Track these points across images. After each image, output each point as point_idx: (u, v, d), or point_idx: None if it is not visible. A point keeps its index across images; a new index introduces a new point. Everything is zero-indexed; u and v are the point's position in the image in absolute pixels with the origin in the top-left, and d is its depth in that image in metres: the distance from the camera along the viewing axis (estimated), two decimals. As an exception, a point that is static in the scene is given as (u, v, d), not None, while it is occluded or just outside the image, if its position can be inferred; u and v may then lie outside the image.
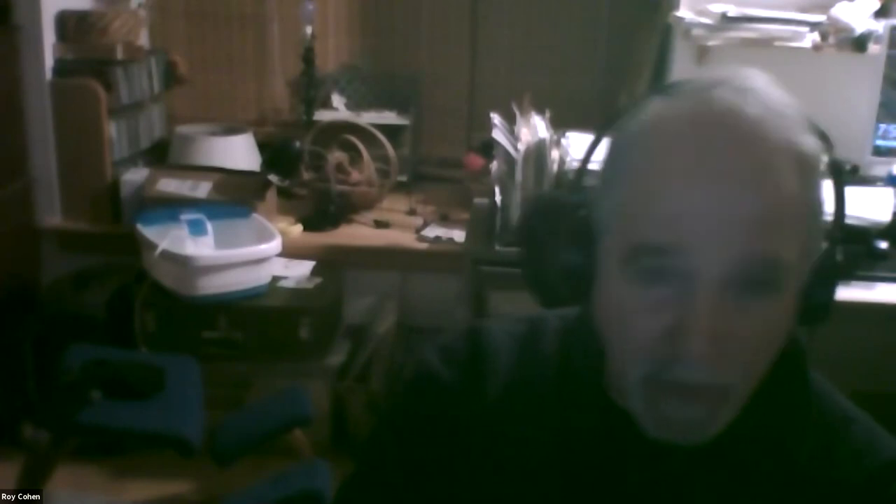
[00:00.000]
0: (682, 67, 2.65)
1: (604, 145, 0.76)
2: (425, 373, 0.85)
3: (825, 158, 0.70)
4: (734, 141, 0.65)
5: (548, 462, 0.78)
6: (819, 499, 0.75)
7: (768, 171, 0.65)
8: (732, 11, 2.47)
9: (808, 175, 0.67)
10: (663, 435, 0.69)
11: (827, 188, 0.71)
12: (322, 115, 3.16)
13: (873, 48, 2.43)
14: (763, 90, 0.68)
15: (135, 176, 2.90)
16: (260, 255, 2.58)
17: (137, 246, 2.64)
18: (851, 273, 0.77)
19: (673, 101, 0.69)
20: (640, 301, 0.67)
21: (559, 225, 0.76)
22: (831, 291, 0.73)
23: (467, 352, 0.85)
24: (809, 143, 0.68)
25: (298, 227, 2.90)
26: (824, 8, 2.51)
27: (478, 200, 2.57)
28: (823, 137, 0.70)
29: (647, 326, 0.67)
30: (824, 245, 0.72)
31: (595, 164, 0.78)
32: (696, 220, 0.64)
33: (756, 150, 0.65)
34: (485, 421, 0.81)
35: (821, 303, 0.73)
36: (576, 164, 2.19)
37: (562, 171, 2.20)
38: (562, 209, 0.77)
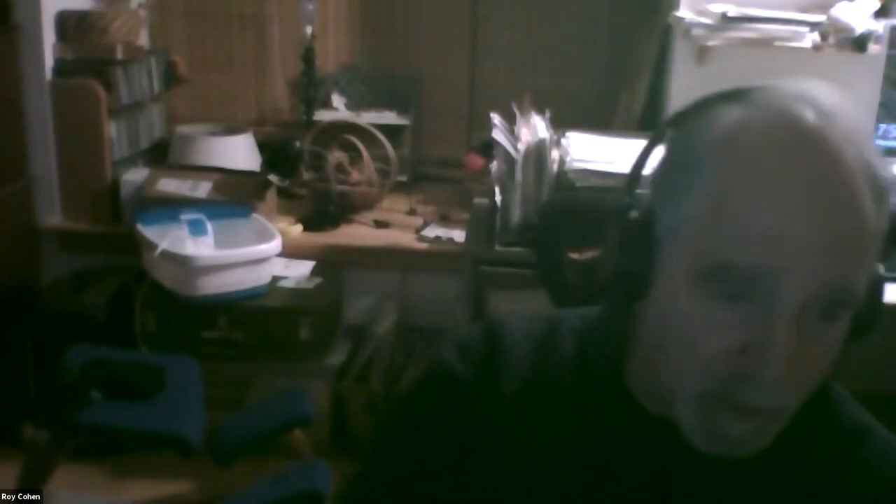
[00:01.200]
0: (682, 67, 2.65)
1: (661, 150, 0.74)
2: (442, 368, 0.84)
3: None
4: (822, 165, 0.64)
5: (563, 462, 0.78)
6: None
7: (853, 197, 0.64)
8: (732, 11, 2.47)
9: (880, 200, 0.66)
10: (714, 449, 0.69)
11: None
12: (322, 115, 3.16)
13: (873, 48, 2.43)
14: (842, 111, 0.67)
15: (135, 176, 2.90)
16: (260, 255, 2.58)
17: (137, 246, 2.64)
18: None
19: (751, 112, 0.67)
20: (712, 319, 0.66)
21: (599, 226, 0.75)
22: (878, 313, 0.72)
23: (484, 348, 0.84)
24: (881, 167, 0.67)
25: (298, 227, 2.90)
26: (824, 8, 2.51)
27: (478, 200, 2.57)
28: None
29: (716, 345, 0.65)
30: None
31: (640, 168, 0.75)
32: (793, 245, 0.63)
33: (842, 175, 0.64)
34: (500, 419, 0.81)
35: (871, 319, 0.71)
36: (576, 164, 2.19)
37: (562, 171, 2.20)
38: (600, 210, 0.75)
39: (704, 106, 0.70)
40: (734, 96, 0.69)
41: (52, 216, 2.93)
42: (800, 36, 2.47)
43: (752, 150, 0.65)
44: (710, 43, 2.51)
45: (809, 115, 0.65)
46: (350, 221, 2.99)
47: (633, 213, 0.72)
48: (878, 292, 0.71)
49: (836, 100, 0.67)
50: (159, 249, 2.49)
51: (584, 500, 0.77)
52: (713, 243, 0.65)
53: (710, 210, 0.66)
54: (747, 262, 0.63)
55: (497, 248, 2.20)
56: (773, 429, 0.68)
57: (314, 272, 2.76)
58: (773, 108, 0.66)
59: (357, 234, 2.93)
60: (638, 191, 0.75)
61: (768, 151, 0.65)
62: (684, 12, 2.58)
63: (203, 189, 2.81)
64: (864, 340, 0.73)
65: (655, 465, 0.75)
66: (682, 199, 0.68)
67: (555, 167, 2.20)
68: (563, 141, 2.30)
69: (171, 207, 2.68)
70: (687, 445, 0.71)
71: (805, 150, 0.64)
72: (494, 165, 2.25)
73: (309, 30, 3.05)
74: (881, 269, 0.71)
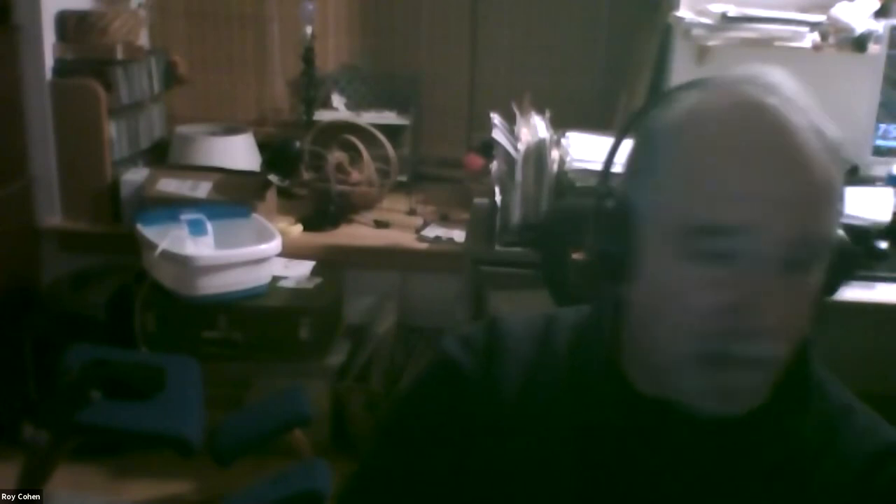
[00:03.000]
0: (682, 67, 2.65)
1: (629, 142, 0.79)
2: (445, 359, 0.86)
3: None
4: (776, 130, 0.70)
5: (563, 450, 0.80)
6: (821, 480, 0.77)
7: (808, 155, 0.70)
8: (732, 11, 2.47)
9: (835, 158, 0.72)
10: (713, 409, 0.72)
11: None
12: (322, 115, 3.16)
13: (873, 48, 2.43)
14: (785, 84, 0.74)
15: (135, 176, 2.90)
16: (260, 255, 2.58)
17: (137, 246, 2.64)
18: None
19: (707, 94, 0.74)
20: (698, 280, 0.70)
21: (586, 220, 0.79)
22: (843, 278, 0.77)
23: (486, 341, 0.86)
24: (831, 130, 0.73)
25: (298, 227, 2.90)
26: (824, 8, 2.51)
27: (478, 200, 2.57)
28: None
29: (706, 304, 0.70)
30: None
31: (615, 162, 0.81)
32: (753, 202, 0.68)
33: (795, 137, 0.70)
34: (501, 409, 0.83)
35: (834, 281, 0.76)
36: (576, 164, 2.19)
37: (562, 171, 2.20)
38: (583, 206, 0.80)
39: (664, 96, 0.77)
40: (690, 84, 0.76)
41: (52, 216, 2.93)
42: (800, 36, 2.47)
43: (712, 122, 0.72)
44: (710, 43, 2.51)
45: (758, 90, 0.72)
46: (350, 221, 2.99)
47: (609, 201, 0.77)
48: (846, 257, 0.76)
49: (781, 78, 0.75)
50: (159, 249, 2.49)
51: (585, 488, 0.79)
52: (692, 209, 0.70)
53: (682, 181, 0.71)
54: (722, 220, 0.69)
55: (497, 248, 2.20)
56: (768, 379, 0.72)
57: (314, 272, 2.76)
58: (725, 87, 0.74)
59: (357, 234, 2.93)
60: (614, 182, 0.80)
61: (727, 122, 0.71)
62: (684, 12, 2.58)
63: (203, 189, 2.82)
64: (832, 294, 0.78)
65: (653, 446, 0.77)
66: (650, 178, 0.74)
67: (555, 167, 2.20)
68: (563, 141, 2.30)
69: (171, 207, 2.68)
70: (683, 426, 0.75)
71: (759, 118, 0.71)
72: (494, 165, 2.25)
73: (309, 30, 3.05)
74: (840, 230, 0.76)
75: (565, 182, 2.18)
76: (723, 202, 0.69)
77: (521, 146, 2.17)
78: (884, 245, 2.11)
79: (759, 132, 0.70)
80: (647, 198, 0.74)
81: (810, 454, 0.78)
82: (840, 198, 0.73)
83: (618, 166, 0.80)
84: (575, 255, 1.48)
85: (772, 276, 0.68)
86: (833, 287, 0.76)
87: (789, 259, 0.69)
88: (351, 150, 3.02)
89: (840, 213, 0.73)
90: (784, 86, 0.74)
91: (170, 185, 2.82)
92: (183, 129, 3.17)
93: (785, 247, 0.68)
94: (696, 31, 2.52)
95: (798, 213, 0.69)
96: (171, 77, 3.24)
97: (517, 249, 2.18)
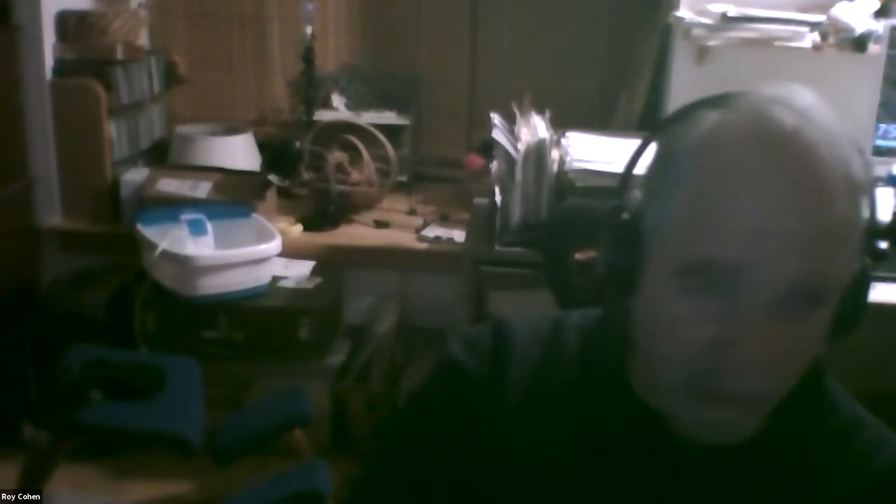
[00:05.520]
0: (682, 67, 2.65)
1: (650, 153, 0.77)
2: (450, 362, 0.86)
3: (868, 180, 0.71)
4: (798, 163, 0.66)
5: (566, 456, 0.79)
6: (830, 496, 0.76)
7: (828, 193, 0.66)
8: (732, 11, 2.47)
9: (856, 197, 0.68)
10: (703, 437, 0.72)
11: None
12: (322, 115, 3.16)
13: (873, 48, 2.43)
14: (818, 112, 0.69)
15: (135, 176, 2.90)
16: (260, 255, 2.58)
17: (137, 246, 2.64)
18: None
19: (730, 114, 0.70)
20: (691, 312, 0.68)
21: (589, 221, 0.78)
22: (858, 311, 0.75)
23: (492, 343, 0.86)
24: (858, 165, 0.69)
25: (298, 227, 2.90)
26: (824, 8, 2.51)
27: (478, 200, 2.57)
28: (861, 149, 0.72)
29: (696, 336, 0.68)
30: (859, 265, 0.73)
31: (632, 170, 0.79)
32: (768, 239, 0.65)
33: (817, 173, 0.66)
34: (506, 413, 0.82)
35: (853, 314, 0.74)
36: (576, 164, 2.18)
37: (562, 171, 2.20)
38: (587, 207, 0.79)
39: (689, 110, 0.73)
40: (716, 101, 0.72)
41: (52, 216, 2.93)
42: (800, 36, 2.47)
43: (728, 149, 0.68)
44: (710, 43, 2.51)
45: (785, 116, 0.68)
46: (350, 221, 2.99)
47: (624, 214, 0.75)
48: (862, 289, 0.74)
49: (813, 102, 0.70)
50: (159, 249, 2.49)
51: (587, 493, 0.78)
52: (692, 240, 0.68)
53: (688, 208, 0.69)
54: (725, 257, 0.66)
55: (497, 248, 2.20)
56: (757, 414, 0.72)
57: (314, 272, 2.76)
58: (751, 110, 0.69)
59: (357, 234, 2.93)
60: (632, 192, 0.78)
61: (744, 150, 0.67)
62: (684, 12, 2.58)
63: (203, 189, 2.81)
64: (849, 337, 0.75)
65: (656, 458, 0.77)
66: (664, 198, 0.71)
67: (555, 167, 2.20)
68: (563, 141, 2.29)
69: (171, 207, 2.68)
70: (685, 439, 0.74)
71: (780, 149, 0.67)
72: (494, 165, 2.25)
73: (309, 30, 3.05)
74: (866, 264, 0.73)
75: (565, 182, 2.18)
76: (725, 236, 0.66)
77: (521, 146, 2.17)
78: (884, 245, 2.11)
79: (778, 164, 0.66)
80: (655, 216, 0.72)
81: (820, 473, 0.77)
82: (859, 237, 0.69)
83: (637, 175, 0.79)
84: (577, 256, 1.47)
85: (769, 315, 0.66)
86: (849, 321, 0.74)
87: (790, 299, 0.66)
88: (351, 150, 3.02)
89: (857, 251, 0.70)
90: (814, 112, 0.69)
91: (170, 185, 2.82)
92: (183, 129, 3.17)
93: (785, 287, 0.66)
94: (696, 31, 2.52)
95: (804, 254, 0.65)
96: (171, 77, 3.24)
97: (517, 249, 2.18)
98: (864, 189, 0.69)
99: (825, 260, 0.66)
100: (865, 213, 0.70)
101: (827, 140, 0.67)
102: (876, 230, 2.08)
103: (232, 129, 3.21)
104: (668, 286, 0.70)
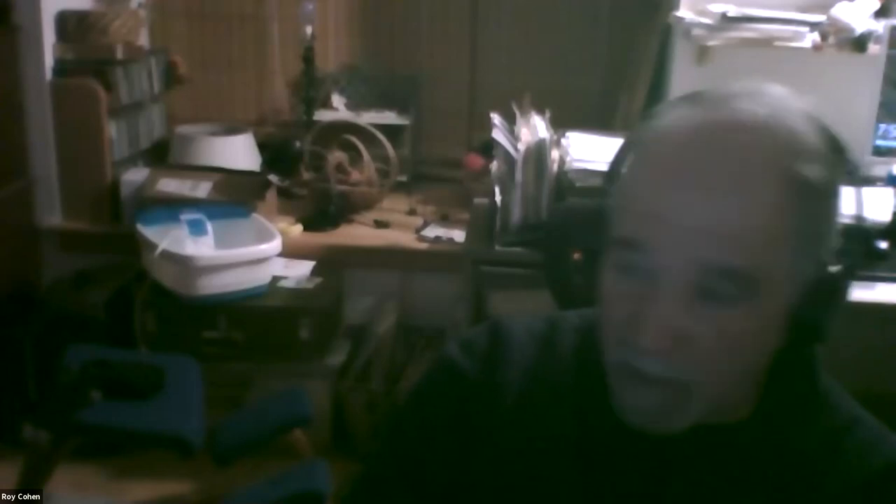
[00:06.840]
0: (682, 67, 2.65)
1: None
2: (446, 363, 0.86)
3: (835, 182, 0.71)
4: (724, 153, 0.68)
5: (563, 455, 0.79)
6: (823, 495, 0.76)
7: (748, 188, 0.67)
8: (732, 11, 2.47)
9: (803, 199, 0.68)
10: (634, 422, 0.73)
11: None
12: (322, 115, 3.16)
13: (873, 48, 2.43)
14: (780, 111, 0.69)
15: (135, 176, 2.90)
16: (260, 255, 2.58)
17: (137, 246, 2.64)
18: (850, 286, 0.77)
19: (691, 108, 0.72)
20: (614, 289, 0.72)
21: (587, 220, 0.81)
22: (823, 313, 0.74)
23: (488, 344, 0.86)
24: (812, 170, 0.68)
25: (298, 227, 2.90)
26: (824, 8, 2.51)
27: (478, 200, 2.57)
28: (839, 150, 0.71)
29: (616, 314, 0.72)
30: (829, 267, 0.73)
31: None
32: (662, 223, 0.68)
33: (743, 166, 0.67)
34: (502, 413, 0.82)
35: (811, 324, 0.74)
36: (576, 164, 2.19)
37: (562, 171, 2.20)
38: (586, 206, 0.81)
39: (666, 106, 0.75)
40: (690, 97, 0.74)
41: (52, 216, 2.93)
42: (800, 36, 2.47)
43: (671, 139, 0.71)
44: (710, 43, 2.51)
45: (734, 111, 0.69)
46: (350, 221, 2.99)
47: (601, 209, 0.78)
48: (828, 292, 0.73)
49: (779, 100, 0.70)
50: (159, 249, 2.49)
51: (583, 493, 0.79)
52: (619, 219, 0.72)
53: (624, 189, 0.73)
54: (629, 236, 0.70)
55: (497, 248, 2.20)
56: (688, 407, 0.71)
57: (314, 272, 2.76)
58: (709, 104, 0.72)
59: (357, 234, 2.93)
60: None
61: (681, 139, 0.70)
62: (684, 12, 2.58)
63: (203, 189, 2.81)
64: (814, 342, 0.76)
65: (654, 454, 0.77)
66: (613, 187, 0.75)
67: (555, 167, 2.20)
68: (563, 141, 2.29)
69: (171, 207, 2.68)
70: (680, 436, 0.73)
71: (708, 140, 0.68)
72: (494, 165, 2.25)
73: (309, 30, 3.05)
74: (841, 268, 0.72)
75: (565, 182, 2.18)
76: (636, 217, 0.70)
77: (521, 146, 2.17)
78: (884, 245, 2.11)
79: (704, 154, 0.68)
80: (609, 205, 0.75)
81: (814, 470, 0.76)
82: (806, 237, 0.69)
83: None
84: (577, 256, 1.48)
85: (670, 297, 0.68)
86: (817, 323, 0.74)
87: (703, 287, 0.67)
88: (351, 150, 3.02)
89: (811, 252, 0.70)
90: (776, 110, 0.69)
91: (170, 185, 2.82)
92: (183, 129, 3.17)
93: (688, 273, 0.67)
94: (696, 31, 2.52)
95: (710, 243, 0.67)
96: (171, 77, 3.24)
97: (517, 249, 2.18)
98: (818, 193, 0.69)
99: (739, 255, 0.67)
100: (830, 218, 0.71)
101: (773, 139, 0.68)
102: (868, 231, 2.08)
103: (232, 129, 3.21)
104: (607, 264, 0.73)
